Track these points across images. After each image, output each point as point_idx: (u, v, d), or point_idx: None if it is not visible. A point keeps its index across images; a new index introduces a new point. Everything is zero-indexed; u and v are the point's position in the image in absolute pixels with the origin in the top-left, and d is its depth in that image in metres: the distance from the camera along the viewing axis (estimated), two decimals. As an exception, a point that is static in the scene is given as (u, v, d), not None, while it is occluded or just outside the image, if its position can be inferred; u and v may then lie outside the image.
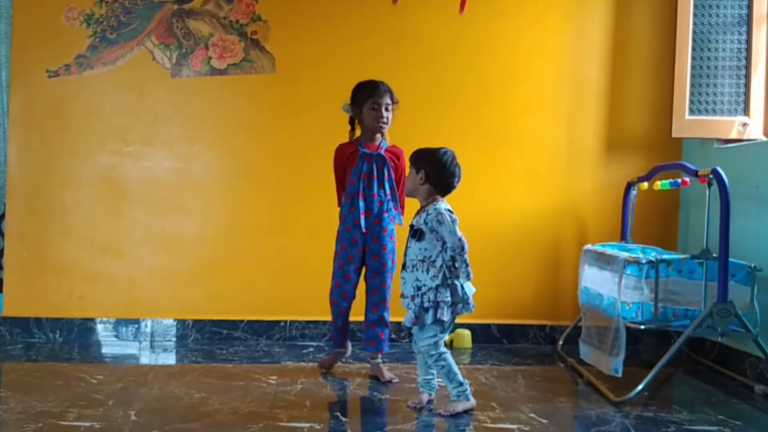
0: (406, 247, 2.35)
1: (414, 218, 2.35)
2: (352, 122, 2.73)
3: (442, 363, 2.30)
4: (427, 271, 2.26)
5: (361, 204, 2.64)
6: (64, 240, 3.31)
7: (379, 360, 2.73)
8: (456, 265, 2.27)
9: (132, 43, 3.31)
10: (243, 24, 3.35)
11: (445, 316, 2.25)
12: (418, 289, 2.27)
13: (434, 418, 2.25)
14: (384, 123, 2.64)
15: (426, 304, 2.26)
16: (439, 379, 2.41)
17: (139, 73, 3.33)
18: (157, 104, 3.35)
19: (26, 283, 3.30)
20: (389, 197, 2.67)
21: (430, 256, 2.27)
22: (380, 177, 2.65)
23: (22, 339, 3.27)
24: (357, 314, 2.78)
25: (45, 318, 3.28)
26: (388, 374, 2.68)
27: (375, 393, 2.53)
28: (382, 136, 2.71)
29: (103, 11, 3.30)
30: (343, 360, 2.90)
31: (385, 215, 2.67)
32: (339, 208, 2.75)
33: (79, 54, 3.30)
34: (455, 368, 2.31)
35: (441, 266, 2.26)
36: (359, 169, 2.65)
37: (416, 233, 2.29)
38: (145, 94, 3.34)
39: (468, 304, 2.29)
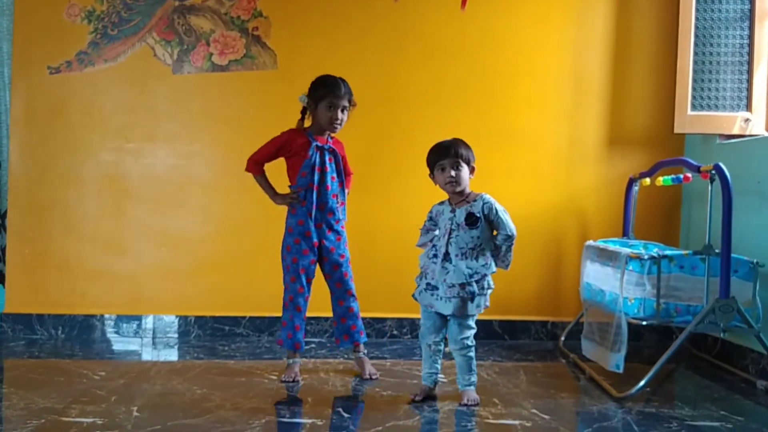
0: (452, 236, 2.33)
1: (460, 207, 2.35)
2: (304, 112, 2.68)
3: (472, 354, 2.39)
4: (477, 258, 2.32)
5: (315, 196, 2.60)
6: (66, 237, 3.31)
7: (362, 353, 2.71)
8: (497, 254, 2.38)
9: (133, 39, 3.31)
10: (244, 20, 3.35)
11: (488, 302, 2.38)
12: (470, 276, 2.30)
13: (436, 413, 2.25)
14: (338, 124, 2.60)
15: (478, 292, 2.31)
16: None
17: (140, 69, 3.32)
18: (158, 101, 3.34)
19: (28, 280, 3.31)
20: (341, 188, 2.66)
21: (480, 244, 2.33)
22: (332, 169, 2.63)
23: (24, 335, 3.27)
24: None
25: (47, 314, 3.29)
26: (369, 369, 2.67)
27: (377, 389, 2.53)
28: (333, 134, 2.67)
29: (104, 7, 3.30)
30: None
31: (339, 207, 2.66)
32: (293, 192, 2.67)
33: (80, 50, 3.30)
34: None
35: (488, 254, 2.34)
36: (312, 162, 2.60)
37: (476, 221, 2.32)
38: (146, 91, 3.34)
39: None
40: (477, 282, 2.31)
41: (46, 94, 3.30)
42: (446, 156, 2.35)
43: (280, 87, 3.36)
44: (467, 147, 2.39)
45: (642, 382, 2.46)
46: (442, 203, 2.44)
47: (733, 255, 2.52)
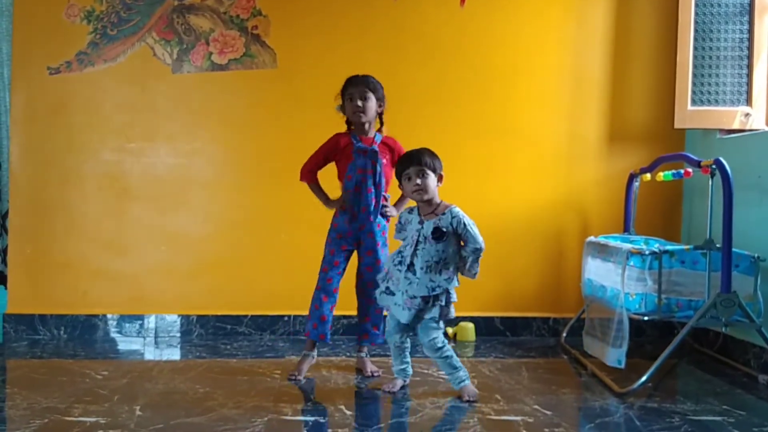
0: (417, 248, 2.35)
1: (429, 219, 2.35)
2: (348, 123, 2.73)
3: (448, 353, 2.39)
4: (440, 273, 2.33)
5: (358, 199, 2.64)
6: (68, 237, 3.32)
7: (364, 354, 2.74)
8: (467, 264, 2.38)
9: (133, 39, 3.31)
10: (243, 19, 3.35)
11: (452, 313, 2.38)
12: (432, 290, 2.32)
13: (438, 410, 2.25)
14: (360, 111, 2.62)
15: (437, 304, 2.33)
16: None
17: (140, 69, 3.32)
18: (158, 100, 3.35)
19: (30, 280, 3.31)
20: (382, 193, 2.68)
21: (446, 258, 2.33)
22: (374, 173, 2.65)
23: (26, 336, 3.28)
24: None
25: (49, 315, 3.29)
26: (371, 367, 2.70)
27: (379, 386, 2.53)
28: (367, 125, 2.68)
29: (103, 7, 3.30)
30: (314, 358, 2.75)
31: (380, 212, 2.68)
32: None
33: (80, 51, 3.30)
34: (456, 356, 2.42)
35: (453, 269, 2.35)
36: (355, 164, 2.64)
37: (443, 235, 2.32)
38: (146, 90, 3.34)
39: None
40: (437, 296, 2.33)
41: (46, 94, 3.30)
42: (410, 164, 2.36)
43: (279, 86, 3.36)
44: (433, 155, 2.39)
45: (644, 378, 2.46)
46: (411, 211, 2.45)
47: (734, 249, 2.52)
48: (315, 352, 2.72)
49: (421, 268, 2.32)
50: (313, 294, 2.69)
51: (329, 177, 2.77)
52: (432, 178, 2.36)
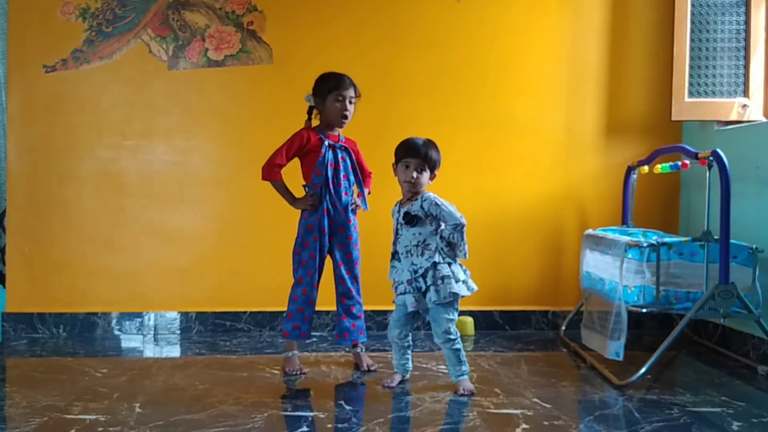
0: (397, 236, 2.40)
1: (404, 207, 2.38)
2: (310, 112, 2.69)
3: (458, 346, 2.39)
4: (422, 254, 2.33)
5: (329, 193, 2.62)
6: (66, 235, 3.32)
7: (359, 348, 2.73)
8: (452, 245, 2.34)
9: (128, 36, 3.30)
10: (239, 15, 3.34)
11: (461, 290, 2.32)
12: (415, 272, 2.33)
13: (437, 404, 2.26)
14: (347, 115, 2.61)
15: (430, 284, 2.31)
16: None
17: (136, 66, 3.32)
18: (154, 97, 3.34)
19: (29, 279, 3.31)
20: (353, 187, 2.68)
21: (424, 240, 2.34)
22: (345, 167, 2.65)
23: (25, 334, 3.28)
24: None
25: (48, 313, 3.29)
26: (367, 362, 2.69)
27: (379, 381, 2.53)
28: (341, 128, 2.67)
29: (98, 5, 3.29)
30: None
31: (350, 206, 2.67)
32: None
33: (75, 48, 3.29)
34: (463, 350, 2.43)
35: (435, 248, 2.33)
36: (325, 159, 2.61)
37: (412, 219, 2.33)
38: (142, 88, 3.33)
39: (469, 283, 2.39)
40: (423, 276, 2.32)
41: (43, 92, 3.29)
42: (416, 156, 2.34)
43: (275, 81, 3.35)
44: (438, 152, 2.38)
45: (643, 370, 2.46)
46: (396, 203, 2.48)
47: (732, 241, 2.52)
48: (297, 350, 2.71)
49: (402, 254, 2.36)
50: (294, 297, 2.67)
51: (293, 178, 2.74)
52: (427, 175, 2.36)
